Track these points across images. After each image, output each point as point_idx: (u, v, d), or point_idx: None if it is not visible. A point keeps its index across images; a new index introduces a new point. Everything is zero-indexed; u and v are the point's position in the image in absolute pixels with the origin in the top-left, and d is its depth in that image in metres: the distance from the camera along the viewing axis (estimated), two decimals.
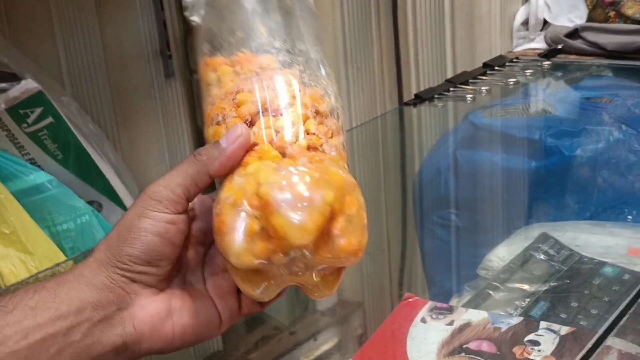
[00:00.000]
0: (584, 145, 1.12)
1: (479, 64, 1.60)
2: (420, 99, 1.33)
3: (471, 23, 1.66)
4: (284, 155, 0.45)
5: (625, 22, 1.58)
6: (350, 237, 0.43)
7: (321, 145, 0.47)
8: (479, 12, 1.64)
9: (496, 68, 1.49)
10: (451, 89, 1.37)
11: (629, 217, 1.06)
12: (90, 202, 1.14)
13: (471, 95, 1.32)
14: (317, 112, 0.48)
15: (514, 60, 1.54)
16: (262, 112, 0.47)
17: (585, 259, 0.90)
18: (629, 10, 1.58)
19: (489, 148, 1.23)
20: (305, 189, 0.42)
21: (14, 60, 1.06)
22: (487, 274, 0.94)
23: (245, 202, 0.42)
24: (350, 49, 1.75)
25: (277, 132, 0.46)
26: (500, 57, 1.57)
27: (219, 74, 0.50)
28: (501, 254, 0.97)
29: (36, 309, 0.42)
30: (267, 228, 0.42)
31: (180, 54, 1.49)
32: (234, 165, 0.45)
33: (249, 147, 0.46)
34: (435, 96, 1.34)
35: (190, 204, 0.47)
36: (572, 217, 1.08)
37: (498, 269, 0.92)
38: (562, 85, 1.46)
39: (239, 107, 0.47)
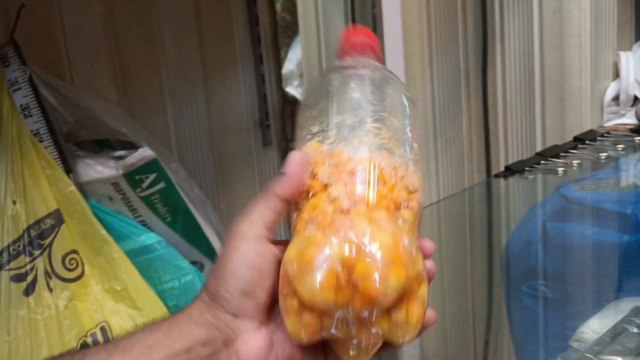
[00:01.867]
0: None
1: (568, 137, 1.62)
2: (510, 171, 1.36)
3: (561, 97, 1.68)
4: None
5: None
6: (414, 315, 0.45)
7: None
8: (569, 87, 1.67)
9: (587, 142, 1.50)
10: (542, 162, 1.40)
11: None
12: (193, 262, 1.21)
13: (562, 169, 1.34)
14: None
15: (605, 134, 1.56)
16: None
17: None
18: None
19: (581, 221, 1.24)
20: (406, 253, 0.44)
21: (130, 129, 1.15)
22: (580, 345, 0.95)
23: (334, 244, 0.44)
24: (440, 120, 1.79)
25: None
26: (591, 131, 1.59)
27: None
28: (594, 327, 0.98)
29: (152, 348, 0.45)
30: (350, 279, 0.43)
31: (278, 124, 1.57)
32: (299, 185, 0.49)
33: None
34: (526, 169, 1.37)
35: None
36: None
37: (591, 341, 0.93)
38: None
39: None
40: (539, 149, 1.73)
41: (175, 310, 1.15)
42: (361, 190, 0.47)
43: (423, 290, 0.46)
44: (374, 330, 0.45)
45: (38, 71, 1.06)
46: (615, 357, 0.89)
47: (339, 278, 0.43)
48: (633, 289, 1.12)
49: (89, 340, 1.01)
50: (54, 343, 0.99)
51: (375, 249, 0.44)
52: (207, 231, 1.22)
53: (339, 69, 0.55)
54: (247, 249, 0.48)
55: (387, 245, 0.44)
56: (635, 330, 0.93)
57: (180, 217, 1.17)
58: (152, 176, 1.11)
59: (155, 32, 1.34)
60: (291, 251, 0.46)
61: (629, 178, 1.36)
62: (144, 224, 1.16)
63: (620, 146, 1.48)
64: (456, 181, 1.84)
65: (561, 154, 1.43)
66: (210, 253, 1.23)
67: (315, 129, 0.52)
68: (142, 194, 1.12)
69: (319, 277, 0.43)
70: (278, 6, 1.75)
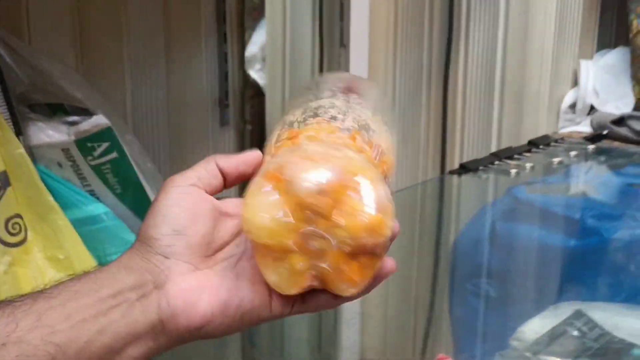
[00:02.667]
0: (624, 229, 1.15)
1: (523, 140, 1.64)
2: (465, 169, 1.37)
3: (520, 100, 1.70)
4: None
5: None
6: (373, 214, 0.43)
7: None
8: (528, 90, 1.69)
9: (541, 147, 1.52)
10: (496, 162, 1.41)
11: None
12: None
13: (515, 170, 1.36)
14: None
15: (559, 140, 1.58)
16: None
17: (617, 340, 0.93)
18: None
19: (529, 222, 1.26)
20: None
21: (86, 95, 1.13)
22: (519, 345, 0.96)
23: (264, 181, 0.44)
24: (399, 114, 1.80)
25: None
26: (546, 136, 1.61)
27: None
28: (534, 327, 1.00)
29: (78, 293, 0.44)
30: (283, 190, 0.43)
31: (237, 105, 1.56)
32: (243, 165, 0.50)
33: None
34: (480, 168, 1.38)
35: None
36: (605, 298, 1.10)
37: (531, 341, 0.94)
38: (605, 169, 1.49)
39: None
40: (494, 149, 1.75)
41: None
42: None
43: (377, 180, 0.45)
44: (338, 245, 0.43)
45: None
46: (554, 358, 0.90)
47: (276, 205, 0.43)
48: (575, 293, 1.13)
49: None
50: None
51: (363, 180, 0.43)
52: None
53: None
54: (178, 193, 0.47)
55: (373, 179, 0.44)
56: (575, 333, 0.95)
57: (130, 190, 1.15)
58: (105, 145, 1.09)
59: (121, 1, 1.31)
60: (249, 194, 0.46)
61: (581, 185, 1.38)
62: (92, 193, 1.14)
63: (573, 153, 1.50)
64: (411, 176, 1.85)
65: (515, 156, 1.45)
66: None
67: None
68: (93, 163, 1.10)
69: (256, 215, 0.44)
70: None
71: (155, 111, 1.41)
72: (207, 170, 0.49)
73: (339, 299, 0.47)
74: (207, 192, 0.49)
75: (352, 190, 0.43)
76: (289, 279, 0.45)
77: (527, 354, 0.91)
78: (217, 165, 0.50)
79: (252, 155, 0.51)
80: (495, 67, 1.73)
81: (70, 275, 0.96)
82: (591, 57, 1.81)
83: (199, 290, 0.46)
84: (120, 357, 0.44)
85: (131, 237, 1.15)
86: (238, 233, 0.49)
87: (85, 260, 1.07)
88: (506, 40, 1.72)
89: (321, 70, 1.77)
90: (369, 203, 0.43)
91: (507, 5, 1.70)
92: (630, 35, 1.70)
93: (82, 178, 1.12)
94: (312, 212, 0.43)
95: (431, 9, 1.77)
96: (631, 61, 1.71)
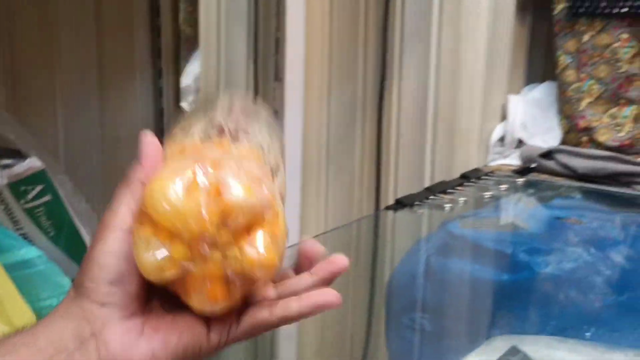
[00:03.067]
0: (554, 263, 1.18)
1: (456, 173, 1.68)
2: (401, 204, 1.39)
3: (451, 134, 1.74)
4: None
5: (597, 148, 1.67)
6: (268, 246, 0.45)
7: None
8: (459, 125, 1.73)
9: (473, 180, 1.56)
10: (430, 196, 1.44)
11: (588, 334, 1.11)
12: (72, 280, 1.17)
13: (449, 205, 1.39)
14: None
15: (489, 173, 1.62)
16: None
17: None
18: (602, 137, 1.67)
19: (464, 257, 1.28)
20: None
21: (19, 137, 1.11)
22: None
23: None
24: (333, 147, 1.82)
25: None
26: (477, 169, 1.64)
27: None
28: None
29: (16, 345, 0.44)
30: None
31: None
32: (157, 164, 0.50)
33: None
34: (415, 203, 1.40)
35: None
36: (537, 331, 1.13)
37: None
38: (535, 202, 1.53)
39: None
40: (427, 182, 1.78)
41: None
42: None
43: (277, 223, 0.46)
44: (229, 253, 0.44)
45: None
46: None
47: (195, 191, 0.44)
48: (509, 327, 1.16)
49: None
50: None
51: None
52: None
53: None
54: (111, 238, 0.47)
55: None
56: None
57: (64, 232, 1.14)
58: (39, 188, 1.07)
59: (54, 35, 1.30)
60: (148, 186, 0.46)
61: (512, 218, 1.42)
62: (25, 237, 1.12)
63: (503, 186, 1.54)
64: (345, 209, 1.87)
65: (449, 190, 1.48)
66: None
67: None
68: (26, 206, 1.08)
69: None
70: (180, 18, 1.73)
71: (88, 148, 1.39)
72: (133, 197, 0.48)
73: (275, 321, 0.48)
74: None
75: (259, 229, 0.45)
76: (160, 263, 0.45)
77: None
78: (141, 183, 0.49)
79: (149, 143, 0.52)
80: (427, 101, 1.77)
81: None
82: (519, 92, 1.87)
83: (137, 333, 0.46)
84: None
85: (65, 280, 1.13)
86: None
87: (17, 305, 1.04)
88: (438, 76, 1.76)
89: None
90: (262, 243, 0.45)
91: (438, 41, 1.74)
92: (557, 71, 1.76)
93: (14, 221, 1.09)
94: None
95: (365, 45, 1.80)
96: (558, 96, 1.77)
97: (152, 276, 0.45)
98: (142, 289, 0.47)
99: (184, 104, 1.90)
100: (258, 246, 0.45)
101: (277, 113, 1.71)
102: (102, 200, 1.42)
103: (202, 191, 0.44)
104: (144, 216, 0.45)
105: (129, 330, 0.46)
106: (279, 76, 1.72)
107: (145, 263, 0.45)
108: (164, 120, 1.50)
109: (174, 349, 0.47)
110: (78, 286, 0.47)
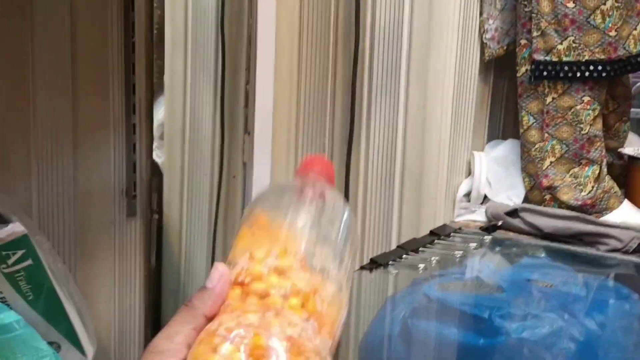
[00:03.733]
0: (529, 328, 1.21)
1: (423, 228, 1.70)
2: (375, 264, 1.41)
3: (419, 189, 1.76)
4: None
5: (559, 207, 1.72)
6: None
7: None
8: (427, 179, 1.76)
9: (442, 237, 1.59)
10: (404, 255, 1.45)
11: None
12: (50, 343, 1.15)
13: (422, 265, 1.41)
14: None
15: (457, 230, 1.65)
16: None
17: None
18: (564, 196, 1.72)
19: (440, 320, 1.30)
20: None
21: (0, 201, 1.09)
22: None
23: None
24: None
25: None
26: (445, 226, 1.67)
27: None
28: None
29: None
30: None
31: (144, 194, 1.54)
32: (222, 300, 0.49)
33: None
34: (390, 262, 1.42)
35: None
36: None
37: None
38: (504, 262, 1.57)
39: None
40: (394, 237, 1.80)
41: None
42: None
43: None
44: None
45: None
46: None
47: None
48: None
49: None
50: None
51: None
52: (69, 311, 1.16)
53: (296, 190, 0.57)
54: None
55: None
56: None
57: (43, 296, 1.12)
58: (20, 252, 1.05)
59: (29, 93, 1.28)
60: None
61: (482, 280, 1.44)
62: (3, 300, 1.09)
63: (472, 244, 1.57)
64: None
65: (420, 248, 1.50)
66: (70, 334, 1.17)
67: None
68: (7, 270, 1.06)
69: None
70: (154, 74, 1.72)
71: (61, 204, 1.37)
72: (190, 326, 0.48)
73: None
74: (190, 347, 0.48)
75: None
76: None
77: None
78: (205, 317, 0.49)
79: (219, 276, 0.50)
80: (395, 155, 1.80)
81: None
82: (482, 149, 1.91)
83: None
84: None
85: (42, 345, 1.11)
86: None
87: None
88: (406, 130, 1.79)
89: (222, 154, 1.78)
90: None
91: (406, 99, 1.77)
92: (521, 131, 1.81)
93: None
94: None
95: (333, 100, 1.82)
96: (521, 155, 1.82)
97: None
98: None
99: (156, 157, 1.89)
100: None
101: (246, 165, 1.72)
102: (74, 256, 1.40)
103: None
104: None
105: None
106: (248, 129, 1.73)
107: None
108: (136, 174, 1.49)
109: None
110: None
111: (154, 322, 1.66)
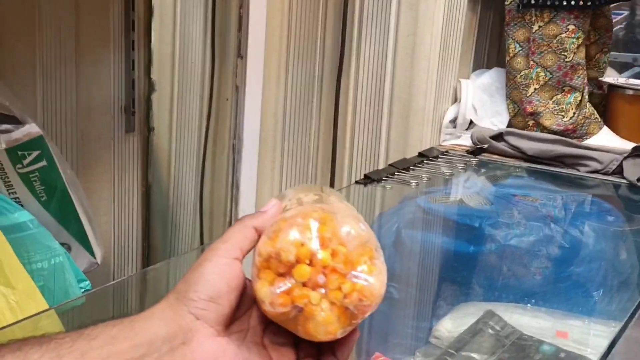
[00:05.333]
0: (517, 236, 1.28)
1: (410, 152, 1.76)
2: (369, 179, 1.46)
3: (407, 114, 1.82)
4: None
5: (542, 132, 1.78)
6: (376, 280, 0.51)
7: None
8: (415, 105, 1.81)
9: (430, 159, 1.65)
10: (395, 173, 1.51)
11: (549, 303, 1.21)
12: (61, 244, 1.19)
13: (415, 181, 1.46)
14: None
15: (444, 153, 1.71)
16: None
17: (526, 337, 1.04)
18: (547, 121, 1.78)
19: (432, 230, 1.37)
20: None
21: (13, 103, 1.12)
22: (438, 342, 1.06)
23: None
24: (290, 123, 1.87)
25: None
26: (432, 149, 1.73)
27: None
28: (448, 327, 1.10)
29: (115, 338, 0.49)
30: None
31: (143, 111, 1.57)
32: (271, 216, 0.56)
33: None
34: (383, 178, 1.47)
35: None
36: (503, 299, 1.22)
37: (449, 338, 1.04)
38: (491, 181, 1.63)
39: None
40: (382, 159, 1.86)
41: (42, 291, 1.13)
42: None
43: (378, 257, 0.52)
44: (342, 282, 0.51)
45: None
46: (474, 354, 1.00)
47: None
48: (476, 294, 1.25)
49: None
50: None
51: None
52: (80, 213, 1.20)
53: None
54: (220, 262, 0.53)
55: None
56: (490, 331, 1.05)
57: (56, 197, 1.15)
58: (35, 153, 1.09)
59: (34, 7, 1.30)
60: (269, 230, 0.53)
61: (472, 195, 1.51)
62: (17, 200, 1.13)
63: (460, 165, 1.63)
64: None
65: (411, 167, 1.56)
66: (81, 236, 1.22)
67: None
68: (22, 171, 1.10)
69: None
70: None
71: (64, 117, 1.40)
72: (249, 241, 0.54)
73: None
74: (244, 256, 0.55)
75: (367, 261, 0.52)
76: (280, 296, 0.51)
77: (451, 350, 1.00)
78: (255, 229, 0.55)
79: (275, 209, 0.56)
80: (384, 81, 1.84)
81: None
82: (468, 77, 1.96)
83: (219, 355, 0.52)
84: None
85: (55, 244, 1.15)
86: (252, 308, 0.55)
87: (15, 268, 1.06)
88: (395, 57, 1.83)
89: (212, 78, 1.80)
90: (370, 273, 0.51)
91: (396, 26, 1.81)
92: (507, 58, 1.86)
93: (8, 185, 1.10)
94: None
95: (324, 26, 1.86)
96: (506, 82, 1.88)
97: (271, 307, 0.51)
98: (232, 313, 0.53)
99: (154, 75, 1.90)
100: (367, 276, 0.51)
101: (238, 89, 1.75)
102: (75, 168, 1.43)
103: (315, 234, 0.51)
104: (268, 260, 0.51)
105: (213, 350, 0.52)
106: (241, 53, 1.76)
107: (266, 296, 0.51)
108: (135, 91, 1.52)
109: None
110: (180, 294, 0.52)
111: (149, 237, 1.71)
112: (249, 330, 0.54)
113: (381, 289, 0.52)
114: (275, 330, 0.55)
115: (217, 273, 0.52)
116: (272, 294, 0.51)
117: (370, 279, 0.51)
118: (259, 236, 0.54)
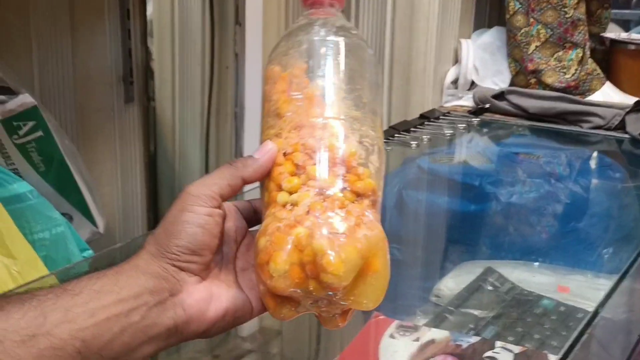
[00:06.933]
0: (518, 194, 1.27)
1: (412, 113, 1.75)
2: None
3: (408, 77, 1.80)
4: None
5: (544, 89, 1.76)
6: (375, 289, 0.49)
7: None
8: (415, 67, 1.79)
9: (432, 120, 1.64)
10: (395, 135, 1.50)
11: (551, 259, 1.21)
12: (62, 214, 1.19)
13: (415, 142, 1.46)
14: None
15: (446, 114, 1.70)
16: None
17: (526, 292, 1.04)
18: (549, 79, 1.77)
19: (433, 190, 1.36)
20: (352, 242, 0.47)
21: (6, 74, 1.11)
22: (438, 300, 1.06)
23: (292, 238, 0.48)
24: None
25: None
26: (434, 110, 1.72)
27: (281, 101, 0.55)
28: (449, 285, 1.10)
29: (100, 293, 0.48)
30: (308, 265, 0.47)
31: (141, 81, 1.56)
32: (264, 174, 0.53)
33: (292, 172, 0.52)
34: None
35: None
36: (506, 257, 1.22)
37: (450, 297, 1.04)
38: (493, 140, 1.63)
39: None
40: (384, 122, 1.85)
41: (45, 262, 1.14)
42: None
43: (382, 260, 0.49)
44: (341, 303, 0.48)
45: None
46: (474, 310, 1.00)
47: (299, 269, 0.47)
48: (478, 253, 1.25)
49: None
50: None
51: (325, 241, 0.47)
52: (79, 182, 1.21)
53: (311, 28, 0.58)
54: (202, 212, 0.51)
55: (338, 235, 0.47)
56: (489, 287, 1.06)
57: (54, 168, 1.16)
58: (31, 124, 1.09)
59: None
60: (261, 240, 0.49)
61: (475, 155, 1.50)
62: (16, 172, 1.13)
63: (461, 125, 1.62)
64: None
65: (411, 129, 1.55)
66: (81, 205, 1.22)
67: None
68: (18, 142, 1.10)
69: (280, 270, 0.47)
70: None
71: (61, 89, 1.40)
72: (232, 188, 0.53)
73: None
74: (224, 200, 0.53)
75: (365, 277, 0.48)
76: (289, 314, 0.50)
77: (450, 308, 1.01)
78: (242, 179, 0.53)
79: (269, 156, 0.53)
80: (384, 44, 1.83)
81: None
82: (469, 37, 1.94)
83: (208, 301, 0.52)
84: (135, 353, 0.49)
85: (55, 214, 1.15)
86: (234, 237, 0.55)
87: (16, 238, 1.06)
88: (394, 19, 1.81)
89: (212, 47, 1.79)
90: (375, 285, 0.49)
91: None
92: (507, 16, 1.84)
93: (5, 157, 1.11)
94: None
95: None
96: (507, 40, 1.86)
97: (278, 286, 0.48)
98: (213, 260, 0.53)
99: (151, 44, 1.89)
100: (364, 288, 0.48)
101: (238, 57, 1.74)
102: (74, 139, 1.43)
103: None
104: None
105: (202, 296, 0.51)
106: (239, 20, 1.75)
107: (274, 311, 0.50)
108: (132, 60, 1.52)
109: (230, 318, 0.53)
110: (161, 246, 0.51)
111: (155, 207, 1.71)
112: (225, 270, 0.54)
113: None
114: (247, 269, 0.55)
115: (198, 225, 0.51)
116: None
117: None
118: (244, 183, 0.53)
